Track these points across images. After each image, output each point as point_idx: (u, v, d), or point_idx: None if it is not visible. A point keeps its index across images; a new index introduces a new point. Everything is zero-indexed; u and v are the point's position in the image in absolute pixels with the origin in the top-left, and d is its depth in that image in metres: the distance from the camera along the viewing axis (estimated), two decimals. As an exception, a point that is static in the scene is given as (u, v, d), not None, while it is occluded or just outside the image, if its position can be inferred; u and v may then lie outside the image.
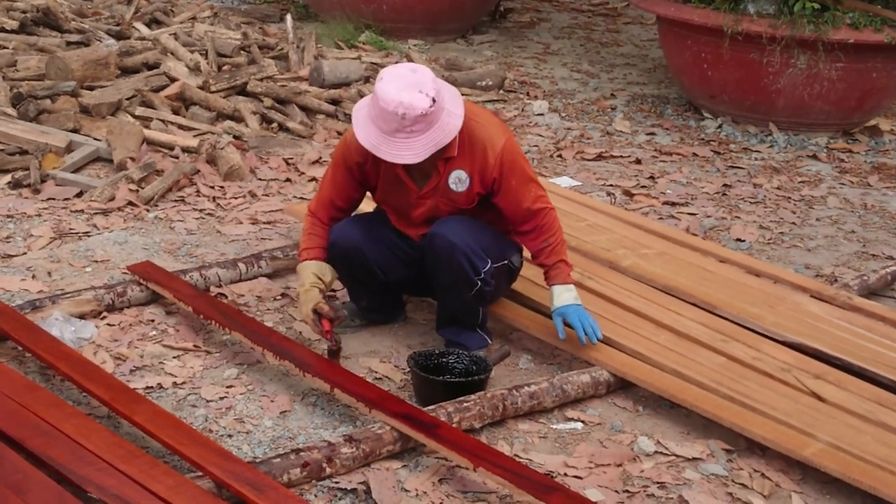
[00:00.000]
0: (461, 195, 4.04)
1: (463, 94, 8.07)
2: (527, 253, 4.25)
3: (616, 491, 3.45)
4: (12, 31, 7.79)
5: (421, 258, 4.12)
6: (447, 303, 4.18)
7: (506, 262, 4.15)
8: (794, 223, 6.03)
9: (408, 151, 3.75)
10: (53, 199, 5.56)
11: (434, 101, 3.70)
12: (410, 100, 3.67)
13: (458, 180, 4.01)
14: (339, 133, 6.95)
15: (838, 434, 3.64)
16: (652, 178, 6.65)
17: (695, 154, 7.19)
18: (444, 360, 4.02)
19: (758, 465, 3.64)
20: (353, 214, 4.28)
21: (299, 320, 4.38)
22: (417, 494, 3.35)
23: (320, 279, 4.10)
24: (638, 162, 6.97)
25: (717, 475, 3.58)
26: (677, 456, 3.68)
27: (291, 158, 6.43)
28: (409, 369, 3.96)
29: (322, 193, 4.20)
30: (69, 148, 6.07)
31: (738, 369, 4.06)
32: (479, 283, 4.01)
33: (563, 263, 4.13)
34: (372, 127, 3.78)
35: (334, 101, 7.31)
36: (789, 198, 6.45)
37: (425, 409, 3.64)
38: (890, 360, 4.17)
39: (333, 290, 4.63)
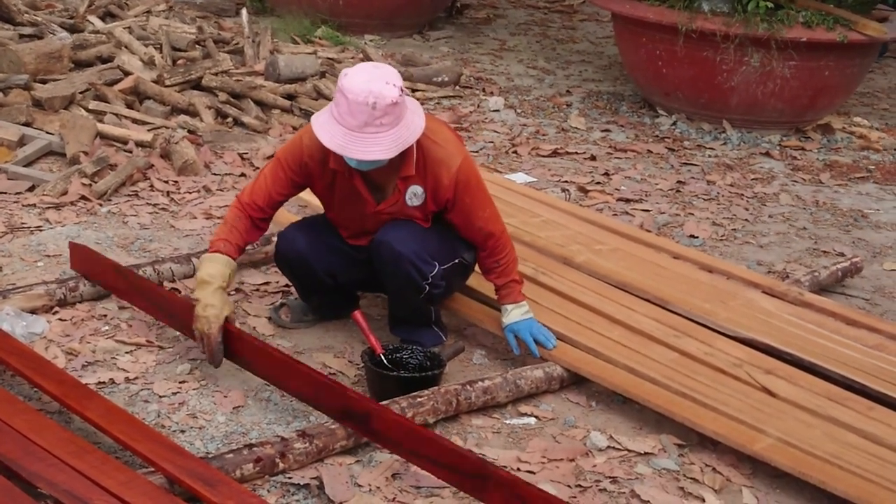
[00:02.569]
0: (417, 209, 4.04)
1: (419, 90, 8.12)
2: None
3: (568, 486, 3.47)
4: (-36, 24, 7.71)
5: (370, 259, 4.11)
6: (397, 306, 4.19)
7: (456, 260, 4.15)
8: (746, 220, 6.08)
9: (376, 147, 3.68)
10: (5, 192, 5.51)
11: (401, 91, 3.69)
12: (379, 89, 3.63)
13: (415, 195, 3.99)
14: (295, 128, 6.93)
15: (788, 429, 3.67)
16: (606, 174, 6.68)
17: (649, 151, 7.23)
18: (398, 355, 4.02)
19: (709, 460, 3.67)
20: (300, 220, 4.26)
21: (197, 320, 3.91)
22: (371, 490, 3.35)
23: (218, 278, 3.88)
24: (593, 158, 6.99)
25: (668, 470, 3.60)
26: (629, 451, 3.70)
27: (246, 153, 6.41)
28: (363, 365, 3.96)
29: (259, 186, 4.02)
30: (21, 142, 6.01)
31: (691, 365, 4.09)
32: (428, 286, 4.01)
33: (514, 283, 4.16)
34: (337, 127, 3.70)
35: (290, 96, 7.29)
36: (742, 195, 6.50)
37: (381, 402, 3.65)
38: (840, 356, 4.21)
39: (288, 286, 4.63)
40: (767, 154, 7.38)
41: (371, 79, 3.66)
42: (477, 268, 4.30)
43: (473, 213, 4.04)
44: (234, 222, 4.02)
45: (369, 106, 3.63)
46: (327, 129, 3.72)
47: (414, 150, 3.90)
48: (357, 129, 3.67)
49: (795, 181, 6.87)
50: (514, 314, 4.15)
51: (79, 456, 3.13)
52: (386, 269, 4.03)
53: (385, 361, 3.95)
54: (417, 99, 7.86)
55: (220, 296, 3.87)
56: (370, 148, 3.69)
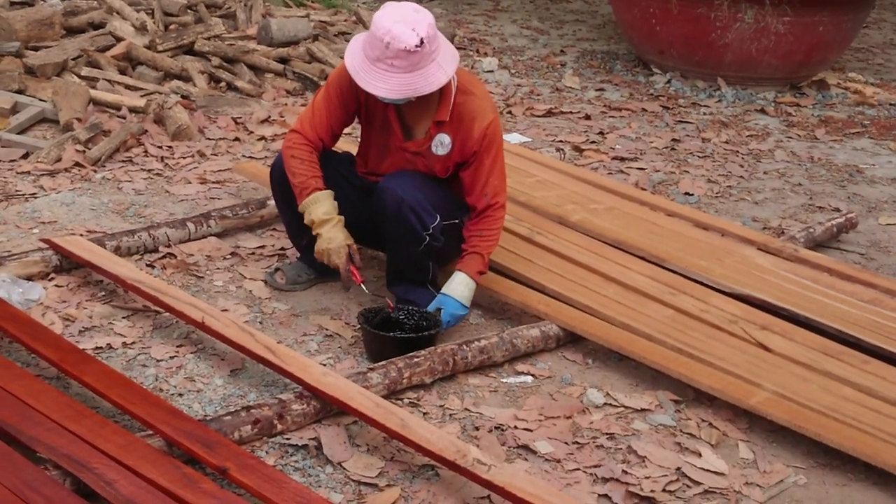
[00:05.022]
0: (440, 160, 4.05)
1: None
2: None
3: (566, 442, 3.48)
4: (-46, -8, 7.67)
5: (369, 198, 4.12)
6: (396, 258, 4.18)
7: (456, 220, 4.14)
8: (741, 177, 6.08)
9: (382, 84, 3.76)
10: (-1, 160, 5.52)
11: (422, 42, 3.70)
12: (399, 32, 3.69)
13: (441, 144, 4.02)
14: (288, 91, 6.93)
15: (784, 383, 3.69)
16: (601, 133, 6.68)
17: (644, 109, 7.22)
18: (394, 316, 4.02)
19: (705, 415, 3.68)
20: None
21: (320, 252, 4.08)
22: (368, 449, 3.36)
23: (333, 211, 4.04)
24: (587, 118, 6.99)
25: (665, 425, 3.62)
26: (626, 407, 3.71)
27: (240, 117, 6.40)
28: (359, 326, 3.97)
29: (316, 117, 4.09)
30: (14, 109, 6.00)
31: (686, 321, 4.10)
32: (428, 237, 4.01)
33: (480, 258, 4.07)
34: (360, 53, 3.82)
35: (283, 60, 7.27)
36: (737, 152, 6.49)
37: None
38: (835, 311, 4.23)
39: (283, 249, 4.63)
40: (762, 111, 7.38)
41: (398, 20, 3.72)
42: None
43: (486, 175, 4.04)
44: (308, 157, 4.09)
45: (383, 44, 3.71)
46: (354, 51, 3.86)
47: (451, 97, 3.95)
48: (371, 61, 3.77)
49: (790, 137, 6.86)
50: (458, 290, 4.04)
51: (77, 420, 3.14)
52: (387, 216, 4.02)
53: (363, 286, 4.04)
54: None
55: (340, 229, 4.03)
56: (375, 83, 3.77)
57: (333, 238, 4.01)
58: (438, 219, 4.02)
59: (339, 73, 4.05)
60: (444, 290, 4.06)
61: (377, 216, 4.08)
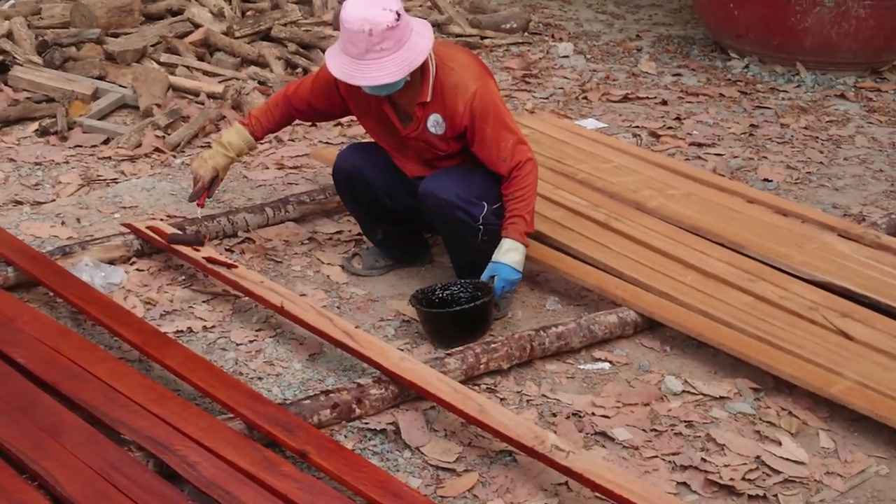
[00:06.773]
0: (439, 139, 4.03)
1: (487, 38, 8.06)
2: (547, 190, 4.22)
3: (644, 430, 3.47)
4: (36, -21, 7.78)
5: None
6: (463, 254, 4.17)
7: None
8: (821, 163, 6.00)
9: (380, 72, 3.75)
10: (81, 146, 5.59)
11: (399, 15, 3.71)
12: (374, 15, 3.69)
13: (437, 123, 4.00)
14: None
15: (866, 371, 3.64)
16: (678, 118, 6.62)
17: (721, 94, 7.14)
18: (448, 292, 4.03)
19: (785, 404, 3.65)
20: (356, 142, 4.29)
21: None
22: (446, 434, 3.38)
23: (234, 149, 4.28)
24: (664, 103, 6.93)
25: (744, 413, 3.59)
26: (704, 395, 3.69)
27: (316, 103, 6.42)
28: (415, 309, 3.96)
29: (303, 87, 4.25)
30: (95, 95, 6.09)
31: (766, 308, 4.06)
32: (481, 227, 4.00)
33: (521, 219, 3.98)
34: (342, 56, 3.80)
35: (358, 46, 7.28)
36: (817, 137, 6.40)
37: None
38: (918, 298, 4.16)
39: (360, 235, 4.66)
40: (842, 96, 7.27)
41: (367, 6, 3.71)
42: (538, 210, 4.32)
43: (495, 142, 3.96)
44: (273, 107, 4.35)
45: (366, 33, 3.69)
46: (335, 59, 3.84)
47: (430, 76, 3.93)
48: (359, 56, 3.75)
49: (871, 123, 6.76)
50: (509, 256, 3.96)
51: (159, 403, 3.19)
52: (435, 219, 4.05)
53: (199, 210, 4.34)
54: (486, 46, 7.84)
55: (224, 157, 4.29)
56: (373, 74, 3.77)
57: (214, 157, 4.28)
58: (486, 206, 4.00)
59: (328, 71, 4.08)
60: (494, 257, 3.98)
61: (430, 221, 4.11)
